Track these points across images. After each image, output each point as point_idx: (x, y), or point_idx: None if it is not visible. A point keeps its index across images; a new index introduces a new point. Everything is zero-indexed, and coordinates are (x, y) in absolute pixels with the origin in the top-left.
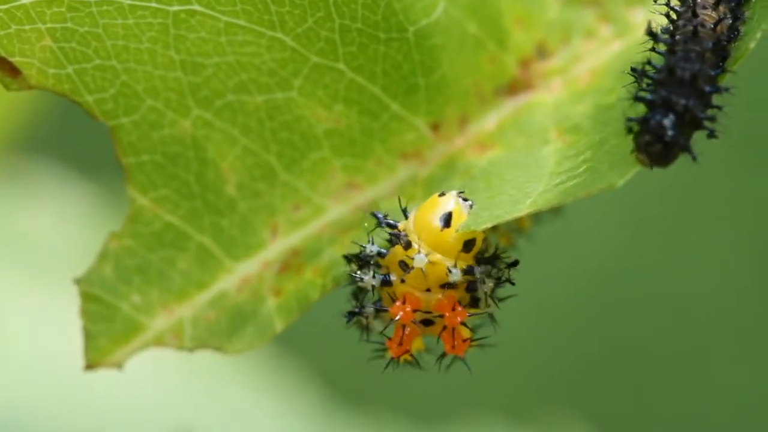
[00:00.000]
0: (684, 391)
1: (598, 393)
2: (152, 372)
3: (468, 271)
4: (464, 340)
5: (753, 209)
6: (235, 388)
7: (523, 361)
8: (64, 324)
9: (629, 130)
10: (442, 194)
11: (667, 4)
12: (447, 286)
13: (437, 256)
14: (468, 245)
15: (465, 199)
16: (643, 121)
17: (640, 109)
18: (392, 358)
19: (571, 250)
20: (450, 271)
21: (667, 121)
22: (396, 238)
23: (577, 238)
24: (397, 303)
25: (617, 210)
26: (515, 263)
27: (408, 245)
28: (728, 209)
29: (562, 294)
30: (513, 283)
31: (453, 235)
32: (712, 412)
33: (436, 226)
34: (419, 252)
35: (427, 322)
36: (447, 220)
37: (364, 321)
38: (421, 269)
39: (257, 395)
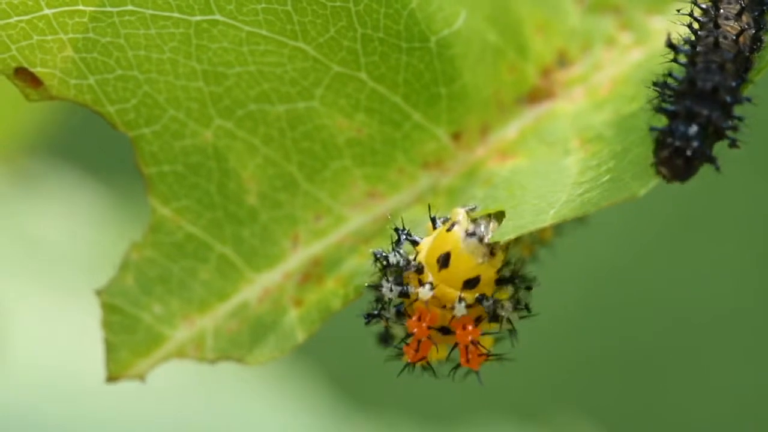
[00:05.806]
0: (692, 394)
1: (606, 395)
2: (160, 373)
3: (479, 300)
4: (479, 355)
5: (764, 215)
6: (244, 390)
7: (532, 363)
8: (75, 327)
9: (655, 141)
10: (451, 228)
11: (690, 14)
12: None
13: (445, 288)
14: (469, 284)
15: (472, 234)
16: (667, 131)
17: (663, 120)
18: (408, 363)
19: (580, 253)
20: (453, 307)
21: (692, 131)
22: (407, 265)
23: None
24: (414, 318)
25: (627, 213)
26: (530, 287)
27: (420, 271)
28: (739, 215)
29: (570, 296)
30: (530, 310)
31: (453, 275)
32: (718, 415)
33: (434, 266)
34: (423, 285)
35: (445, 331)
36: (445, 261)
37: (383, 324)
38: (425, 301)
39: (265, 397)
